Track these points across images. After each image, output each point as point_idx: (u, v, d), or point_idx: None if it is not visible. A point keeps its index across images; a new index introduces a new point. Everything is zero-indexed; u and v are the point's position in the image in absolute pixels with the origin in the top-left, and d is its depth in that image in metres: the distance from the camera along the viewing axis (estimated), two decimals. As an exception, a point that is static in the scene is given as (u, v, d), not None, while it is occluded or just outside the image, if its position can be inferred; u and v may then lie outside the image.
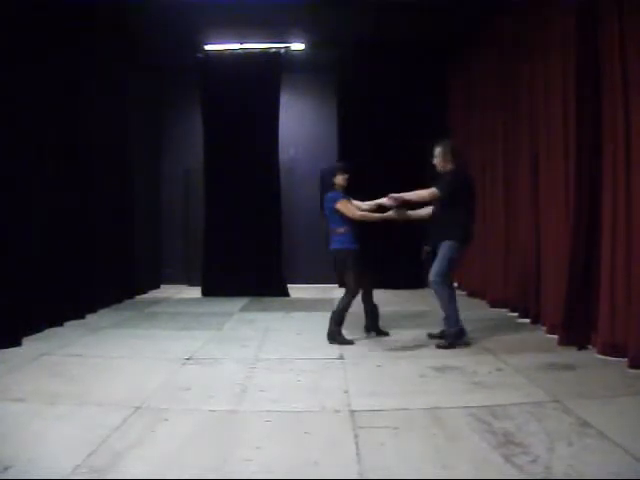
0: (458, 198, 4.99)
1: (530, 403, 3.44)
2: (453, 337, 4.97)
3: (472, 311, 6.43)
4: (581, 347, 4.78)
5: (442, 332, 5.12)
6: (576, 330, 4.87)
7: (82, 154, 6.89)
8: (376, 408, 3.43)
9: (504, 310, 6.78)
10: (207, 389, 3.84)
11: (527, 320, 6.10)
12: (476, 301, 7.62)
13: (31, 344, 5.12)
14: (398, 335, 5.25)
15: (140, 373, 4.26)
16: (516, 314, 6.46)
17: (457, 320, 5.00)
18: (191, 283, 9.55)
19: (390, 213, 5.21)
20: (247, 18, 7.60)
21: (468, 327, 5.13)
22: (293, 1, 7.18)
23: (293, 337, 5.62)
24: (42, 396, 3.62)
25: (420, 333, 5.43)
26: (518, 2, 6.38)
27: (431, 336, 5.25)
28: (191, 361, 4.62)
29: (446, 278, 5.03)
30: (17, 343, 5.04)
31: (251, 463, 2.67)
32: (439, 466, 2.62)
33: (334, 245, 5.27)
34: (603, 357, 4.45)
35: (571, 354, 4.65)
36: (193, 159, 9.47)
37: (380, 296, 8.07)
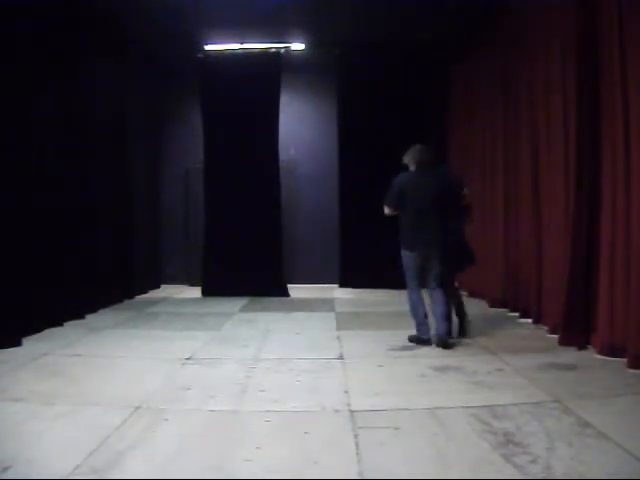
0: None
1: (530, 403, 3.44)
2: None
3: (472, 311, 6.41)
4: (581, 347, 4.79)
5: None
6: (576, 330, 4.87)
7: (82, 154, 6.89)
8: (376, 408, 3.43)
9: (504, 310, 6.79)
10: (207, 389, 3.84)
11: (527, 320, 6.10)
12: (476, 301, 7.61)
13: (31, 344, 5.12)
14: (398, 335, 5.25)
15: (140, 373, 4.26)
16: (516, 314, 6.46)
17: (417, 324, 5.07)
18: (191, 283, 9.54)
19: None
20: (247, 18, 7.60)
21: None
22: (293, 1, 7.19)
23: (293, 337, 5.62)
24: (42, 396, 3.62)
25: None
26: (518, 2, 6.38)
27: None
28: (191, 361, 4.62)
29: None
30: (17, 343, 5.04)
31: (251, 463, 2.67)
32: (439, 466, 2.62)
33: None
34: (602, 357, 4.45)
35: (571, 354, 4.66)
36: (193, 159, 9.48)
37: (381, 296, 8.13)
